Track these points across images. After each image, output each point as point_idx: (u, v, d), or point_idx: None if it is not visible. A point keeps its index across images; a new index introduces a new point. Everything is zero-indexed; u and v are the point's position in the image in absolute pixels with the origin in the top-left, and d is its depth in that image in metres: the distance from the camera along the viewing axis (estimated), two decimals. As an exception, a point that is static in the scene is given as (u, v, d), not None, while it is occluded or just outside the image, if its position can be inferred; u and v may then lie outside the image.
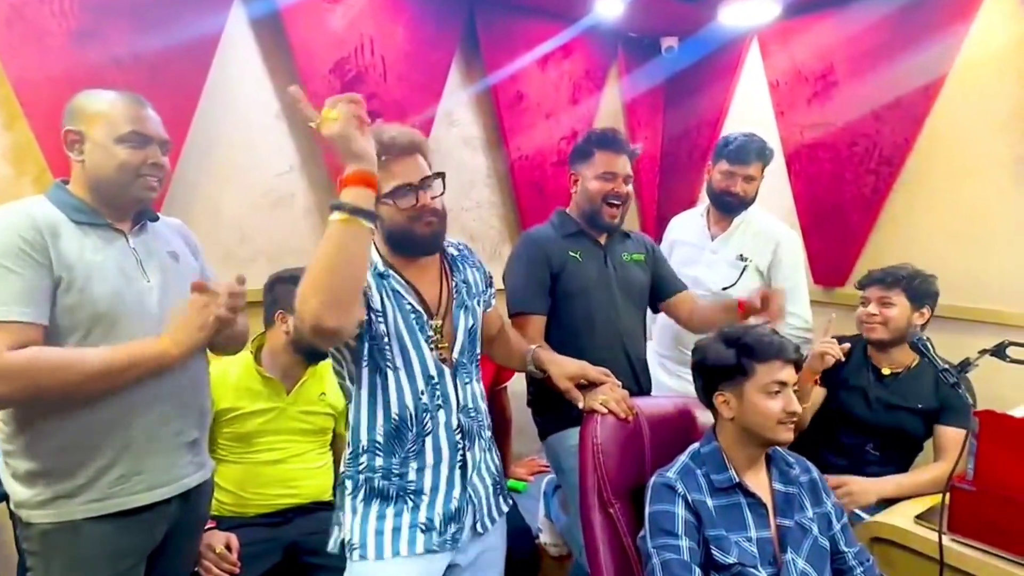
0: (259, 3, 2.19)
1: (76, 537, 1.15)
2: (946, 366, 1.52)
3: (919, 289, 1.78)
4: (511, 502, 1.41)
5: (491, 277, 1.45)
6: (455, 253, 1.37)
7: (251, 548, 1.62)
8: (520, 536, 1.98)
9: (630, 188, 1.72)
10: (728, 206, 2.07)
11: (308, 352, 1.77)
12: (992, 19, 2.16)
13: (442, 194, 1.24)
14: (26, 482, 1.14)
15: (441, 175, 1.24)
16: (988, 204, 2.19)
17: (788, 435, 1.23)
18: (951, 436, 1.70)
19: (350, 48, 2.34)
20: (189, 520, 1.33)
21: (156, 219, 1.33)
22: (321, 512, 1.78)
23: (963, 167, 2.25)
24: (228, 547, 1.58)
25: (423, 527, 1.19)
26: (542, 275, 1.66)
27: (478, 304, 1.35)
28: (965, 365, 1.53)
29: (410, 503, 1.20)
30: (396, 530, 1.18)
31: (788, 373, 1.24)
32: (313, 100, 2.44)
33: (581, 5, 2.67)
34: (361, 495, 1.21)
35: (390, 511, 1.19)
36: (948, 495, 1.39)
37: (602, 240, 1.76)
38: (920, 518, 1.49)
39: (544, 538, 2.09)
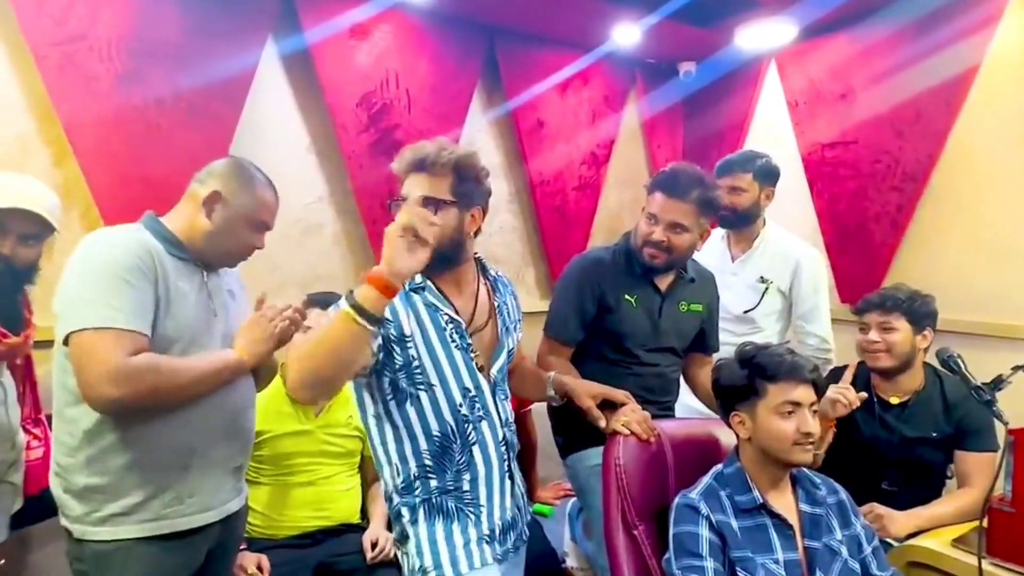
0: (290, 41, 2.31)
1: (128, 557, 1.17)
2: (979, 384, 1.49)
3: (920, 311, 1.69)
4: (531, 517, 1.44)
5: (520, 311, 1.44)
6: (494, 275, 1.39)
7: (280, 570, 1.65)
8: (546, 560, 1.97)
9: (680, 238, 1.53)
10: (724, 221, 2.06)
11: None
12: (1013, 32, 2.15)
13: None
14: (81, 498, 1.18)
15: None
16: (1016, 218, 2.15)
17: (805, 456, 1.21)
18: (975, 461, 1.63)
19: (376, 82, 2.44)
20: (227, 543, 1.37)
21: None
22: (349, 534, 1.81)
23: (989, 181, 2.22)
24: (259, 568, 1.61)
25: (487, 538, 1.23)
26: (585, 307, 1.60)
27: (515, 329, 1.38)
28: (998, 382, 1.49)
29: (472, 517, 1.23)
30: (466, 544, 1.21)
31: (803, 393, 1.21)
32: (341, 132, 2.57)
33: (598, 34, 2.74)
34: (422, 516, 1.23)
35: (456, 527, 1.22)
36: (986, 517, 1.36)
37: (663, 286, 1.64)
38: (958, 541, 1.45)
39: (570, 562, 2.07)
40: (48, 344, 1.25)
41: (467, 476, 1.24)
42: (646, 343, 1.63)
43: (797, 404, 1.21)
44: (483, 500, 1.25)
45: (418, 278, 1.23)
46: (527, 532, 1.37)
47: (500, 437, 1.28)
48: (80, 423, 1.17)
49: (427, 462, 1.22)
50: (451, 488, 1.23)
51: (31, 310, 1.53)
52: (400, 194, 1.23)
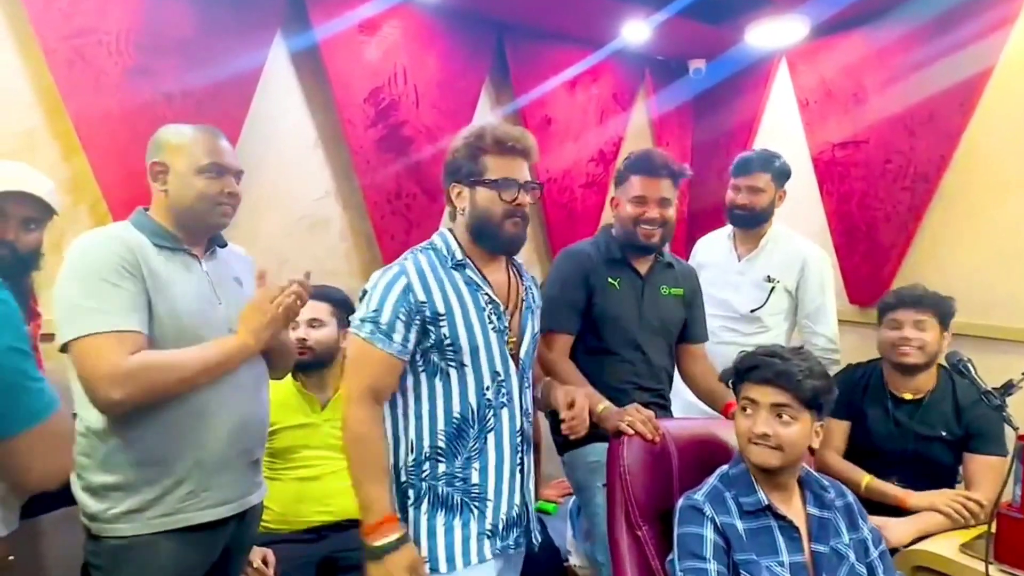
0: (299, 37, 2.31)
1: (145, 552, 1.18)
2: (988, 388, 1.47)
3: (948, 311, 1.72)
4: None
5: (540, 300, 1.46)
6: (519, 264, 1.43)
7: (285, 565, 1.65)
8: (549, 558, 1.97)
9: (670, 212, 1.65)
10: (739, 220, 2.07)
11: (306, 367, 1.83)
12: (1029, 33, 2.12)
13: (532, 204, 1.31)
14: (99, 496, 1.18)
15: (540, 186, 1.34)
16: (1028, 221, 2.13)
17: (759, 457, 1.20)
18: (983, 464, 1.63)
19: (384, 78, 2.43)
20: (242, 539, 1.37)
21: (224, 245, 1.40)
22: (354, 529, 1.79)
23: (1001, 183, 2.20)
24: (265, 561, 1.62)
25: (488, 533, 1.23)
26: (576, 295, 1.65)
27: (535, 317, 1.40)
28: (1008, 387, 1.48)
29: (475, 511, 1.23)
30: (465, 540, 1.21)
31: (760, 392, 1.22)
32: (348, 128, 2.56)
33: (608, 30, 2.72)
34: (425, 506, 1.22)
35: (457, 522, 1.22)
36: (994, 523, 1.35)
37: (643, 270, 1.71)
38: (965, 547, 1.44)
39: (573, 560, 2.07)
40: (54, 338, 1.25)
41: (476, 465, 1.23)
42: (631, 327, 1.67)
43: (752, 402, 1.23)
44: (490, 493, 1.24)
45: (459, 255, 1.26)
46: (536, 530, 1.34)
47: (518, 426, 1.28)
48: (91, 423, 1.18)
49: (440, 444, 1.22)
50: (459, 478, 1.22)
51: (37, 300, 1.53)
52: (519, 177, 1.27)
